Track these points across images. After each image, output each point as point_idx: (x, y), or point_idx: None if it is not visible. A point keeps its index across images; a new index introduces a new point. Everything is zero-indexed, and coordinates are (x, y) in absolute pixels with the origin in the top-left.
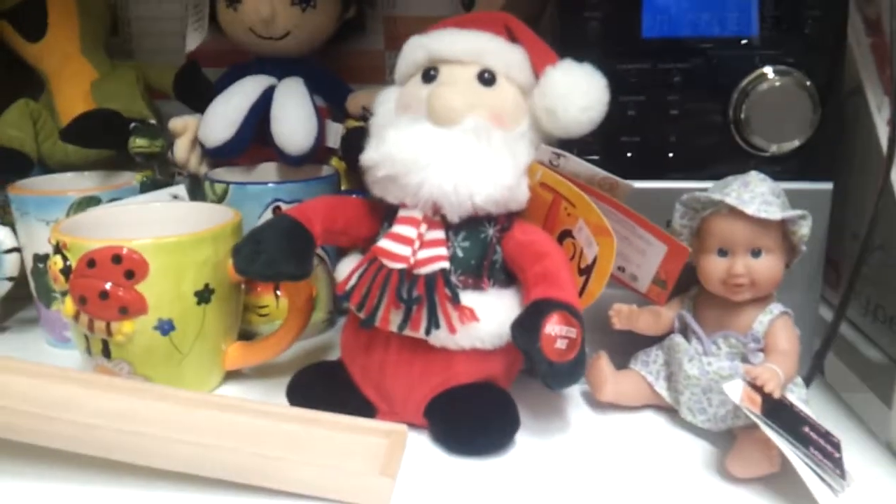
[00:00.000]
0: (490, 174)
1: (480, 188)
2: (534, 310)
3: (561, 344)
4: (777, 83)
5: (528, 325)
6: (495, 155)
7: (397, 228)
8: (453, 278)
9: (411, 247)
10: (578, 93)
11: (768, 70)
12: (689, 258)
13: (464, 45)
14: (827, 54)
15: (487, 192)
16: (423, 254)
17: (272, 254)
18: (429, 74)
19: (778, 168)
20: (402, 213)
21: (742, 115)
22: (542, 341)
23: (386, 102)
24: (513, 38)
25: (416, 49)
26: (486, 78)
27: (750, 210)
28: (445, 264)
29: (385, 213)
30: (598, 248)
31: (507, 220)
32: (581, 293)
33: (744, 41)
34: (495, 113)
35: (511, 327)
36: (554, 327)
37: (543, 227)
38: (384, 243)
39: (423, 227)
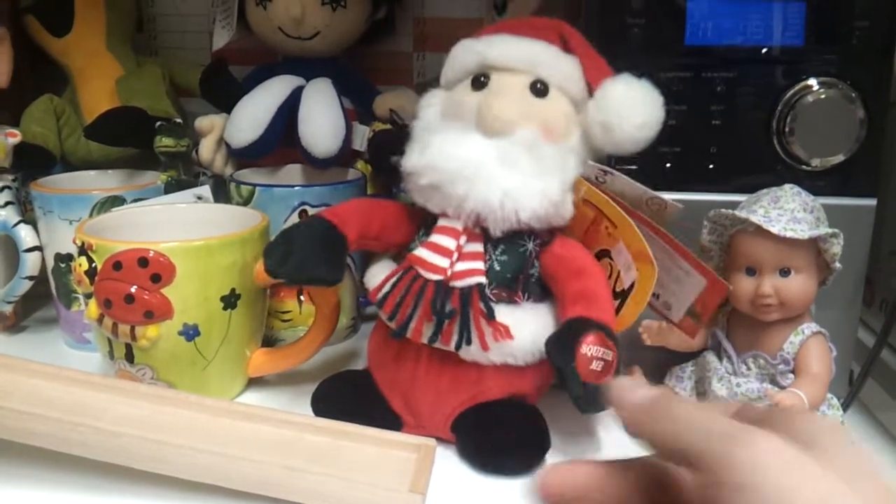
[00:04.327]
0: (537, 189)
1: (527, 203)
2: (571, 328)
3: (596, 366)
4: (823, 95)
5: (564, 343)
6: (544, 169)
7: (436, 238)
8: (487, 291)
9: (450, 258)
10: (637, 109)
11: (813, 82)
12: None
13: (517, 53)
14: (874, 67)
15: (532, 208)
16: (461, 266)
17: (304, 256)
18: (479, 81)
19: (820, 182)
20: (441, 223)
21: (786, 127)
22: (578, 361)
23: (431, 106)
24: (567, 47)
25: (468, 53)
26: (539, 88)
27: (776, 229)
28: (482, 279)
29: (421, 220)
30: (639, 275)
31: (548, 234)
32: (616, 316)
33: (789, 51)
34: (547, 125)
35: (546, 344)
36: (590, 348)
37: (581, 243)
38: (422, 252)
39: (463, 238)
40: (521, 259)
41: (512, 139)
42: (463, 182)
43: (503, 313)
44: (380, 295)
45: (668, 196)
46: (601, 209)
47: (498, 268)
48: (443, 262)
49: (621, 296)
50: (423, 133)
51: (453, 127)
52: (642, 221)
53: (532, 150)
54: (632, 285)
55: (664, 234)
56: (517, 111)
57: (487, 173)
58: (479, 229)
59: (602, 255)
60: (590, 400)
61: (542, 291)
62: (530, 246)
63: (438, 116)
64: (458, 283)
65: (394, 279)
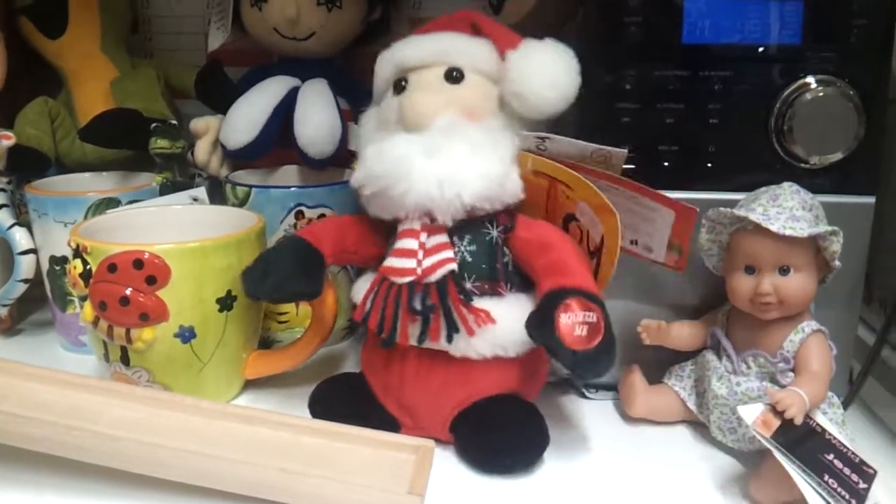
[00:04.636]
0: (473, 170)
1: (466, 185)
2: (545, 302)
3: (581, 331)
4: (821, 93)
5: (541, 318)
6: (475, 150)
7: (400, 243)
8: (468, 285)
9: (415, 258)
10: (541, 71)
11: (811, 80)
12: (696, 218)
13: (426, 49)
14: (873, 64)
15: (473, 188)
16: (429, 261)
17: (281, 275)
18: (399, 85)
19: (819, 180)
20: (400, 228)
21: (784, 126)
22: (560, 331)
23: (366, 124)
24: (478, 32)
25: (384, 65)
26: (454, 75)
27: (775, 227)
28: (453, 266)
29: (388, 230)
30: (603, 227)
31: (508, 219)
32: (595, 276)
33: (787, 49)
34: (467, 108)
35: (526, 325)
36: (570, 315)
37: (545, 215)
38: (390, 261)
39: (424, 235)
40: (488, 247)
41: (434, 129)
42: (400, 181)
43: (488, 305)
44: (363, 313)
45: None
46: (552, 175)
47: (470, 259)
48: (409, 263)
49: (596, 253)
50: (360, 150)
51: (381, 134)
52: (593, 174)
53: (457, 134)
54: (602, 240)
55: (619, 179)
56: (434, 102)
57: (419, 166)
58: (436, 223)
59: (568, 220)
60: (586, 366)
61: (525, 281)
62: (494, 233)
63: (373, 130)
64: (433, 278)
65: (371, 295)
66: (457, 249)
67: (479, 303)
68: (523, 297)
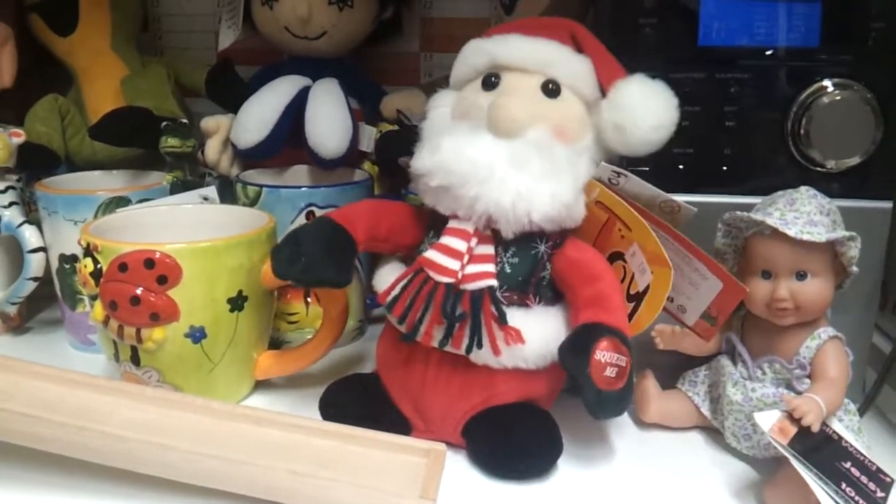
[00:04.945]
0: (548, 191)
1: (539, 205)
2: (584, 333)
3: (610, 372)
4: (838, 97)
5: (578, 348)
6: (556, 171)
7: (447, 240)
8: (498, 295)
9: (460, 261)
10: (651, 110)
11: (828, 83)
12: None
13: (529, 53)
14: (890, 68)
15: (544, 209)
16: (472, 269)
17: (313, 258)
18: (490, 81)
19: (835, 184)
20: (452, 225)
21: (801, 129)
22: (592, 368)
23: (441, 107)
24: (579, 47)
25: (478, 53)
26: (551, 89)
27: (792, 232)
28: (493, 282)
29: (431, 222)
30: (653, 277)
31: (559, 236)
32: (629, 320)
33: (804, 52)
34: (558, 126)
35: (560, 350)
36: (604, 354)
37: (594, 246)
38: (432, 255)
39: (474, 240)
40: (532, 262)
41: (523, 140)
42: (474, 184)
43: (514, 316)
44: (389, 298)
45: (680, 198)
46: (614, 211)
47: (509, 270)
48: (453, 264)
49: (635, 299)
50: (433, 134)
51: (463, 128)
52: (656, 223)
53: (543, 151)
54: (646, 288)
55: (679, 235)
56: (528, 112)
57: (499, 175)
58: (489, 231)
59: (615, 257)
60: (604, 406)
61: (554, 294)
62: (542, 248)
63: (448, 117)
64: (469, 286)
65: (404, 282)
66: (499, 259)
67: (507, 313)
68: (550, 310)
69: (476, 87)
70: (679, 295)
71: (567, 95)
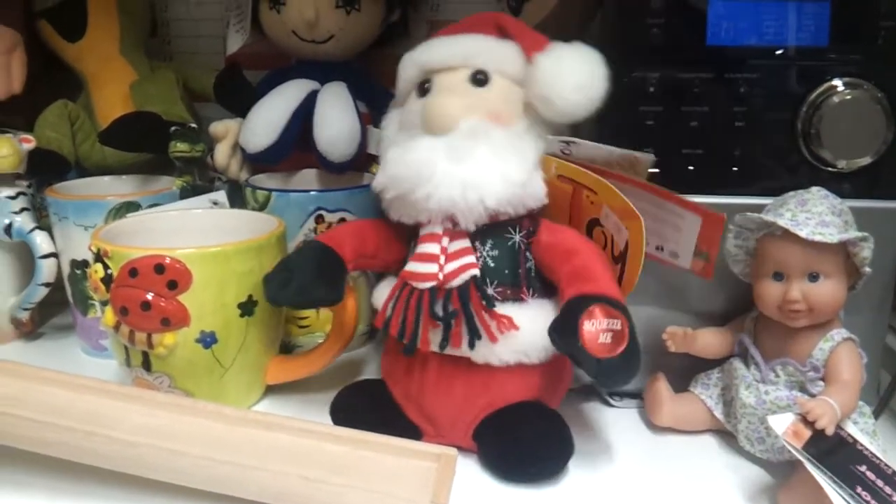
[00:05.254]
0: (496, 174)
1: (489, 190)
2: (569, 309)
3: (605, 338)
4: (848, 96)
5: (565, 325)
6: (500, 154)
7: (421, 248)
8: (490, 290)
9: (437, 263)
10: (569, 74)
11: (838, 82)
12: (724, 224)
13: (451, 51)
14: None
15: (497, 193)
16: (451, 266)
17: (303, 281)
18: (423, 87)
19: (847, 185)
20: (422, 232)
21: (811, 129)
22: (584, 339)
23: (389, 126)
24: (504, 34)
25: (408, 66)
26: (479, 78)
27: (804, 233)
28: (475, 271)
29: (409, 235)
30: (628, 232)
31: (531, 223)
32: (620, 282)
33: (814, 51)
34: (492, 112)
35: (549, 332)
36: (594, 322)
37: (569, 220)
38: (411, 266)
39: (445, 240)
40: (511, 252)
41: (458, 132)
42: (422, 185)
43: (510, 310)
44: (384, 319)
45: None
46: (577, 180)
47: (492, 264)
48: (431, 268)
49: (620, 259)
50: (383, 152)
51: (404, 137)
52: (618, 178)
53: (481, 138)
54: (626, 245)
55: (645, 184)
56: (459, 105)
57: (442, 170)
58: (458, 227)
59: (592, 225)
60: (610, 374)
61: (547, 287)
62: (517, 238)
63: (395, 133)
64: (454, 283)
65: (392, 300)
66: (479, 254)
67: (502, 309)
68: (546, 302)
69: (414, 97)
70: (667, 241)
71: (497, 81)
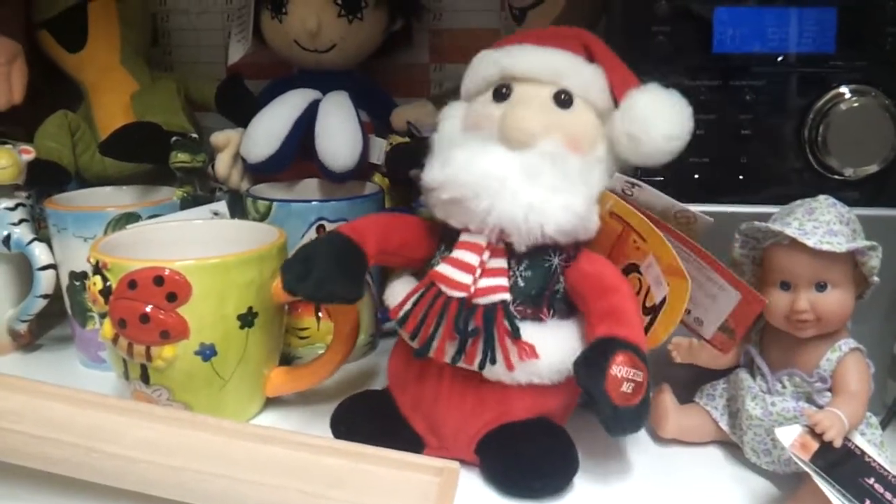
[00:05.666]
0: (563, 203)
1: (552, 218)
2: (599, 348)
3: (627, 387)
4: (856, 103)
5: (593, 364)
6: (569, 182)
7: (458, 254)
8: (511, 309)
9: (473, 275)
10: (665, 119)
11: (845, 90)
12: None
13: (540, 63)
14: None
15: (558, 222)
16: (484, 283)
17: (323, 274)
18: (501, 92)
19: (855, 193)
20: (464, 238)
21: (818, 137)
22: (608, 383)
23: (452, 118)
24: (591, 57)
25: (488, 64)
26: (563, 99)
27: (811, 242)
28: (506, 296)
29: (442, 235)
30: (670, 290)
31: (573, 249)
32: (645, 333)
33: (821, 58)
34: (571, 137)
35: (574, 365)
36: (620, 369)
37: (608, 258)
38: (444, 269)
39: (487, 254)
40: (545, 275)
41: (536, 151)
42: (486, 196)
43: (528, 331)
44: (401, 313)
45: (696, 208)
46: (629, 222)
47: (522, 284)
48: (466, 278)
49: (651, 312)
50: (444, 147)
51: (475, 139)
52: (672, 234)
53: (556, 163)
54: (663, 301)
55: (695, 246)
56: (540, 123)
57: (511, 187)
58: (502, 244)
59: (630, 269)
60: (621, 422)
61: (568, 308)
62: (555, 261)
63: (459, 129)
64: (482, 301)
65: (415, 297)
66: (511, 272)
67: (521, 327)
68: (564, 324)
69: (487, 98)
70: (696, 307)
71: (579, 106)
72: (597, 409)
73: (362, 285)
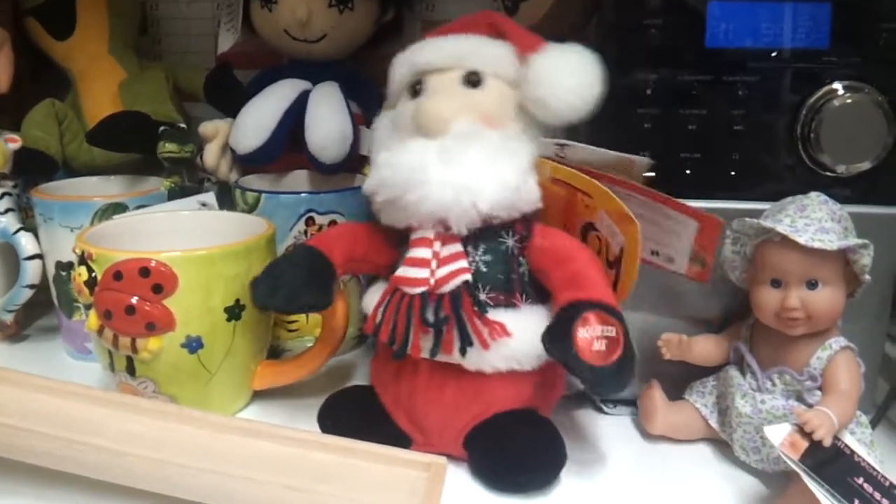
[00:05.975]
0: (489, 177)
1: (483, 194)
2: (562, 315)
3: (599, 345)
4: (849, 100)
5: (558, 332)
6: (493, 157)
7: (412, 252)
8: (482, 296)
9: (428, 268)
10: (564, 75)
11: (838, 86)
12: (721, 229)
13: (444, 51)
14: None
15: (490, 196)
16: (443, 271)
17: (291, 287)
18: (415, 89)
19: (846, 190)
20: (413, 236)
21: (811, 133)
22: (578, 347)
23: (380, 128)
24: (498, 34)
25: (401, 66)
26: (472, 80)
27: (803, 239)
28: (467, 276)
29: (401, 239)
30: (623, 237)
31: (525, 227)
32: (615, 288)
33: (814, 54)
34: (485, 114)
35: (542, 339)
36: (588, 329)
37: (563, 224)
38: (402, 271)
39: (437, 244)
40: (504, 257)
41: (451, 134)
42: (414, 188)
43: (503, 316)
44: (374, 324)
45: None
46: (571, 183)
47: (484, 269)
48: (422, 273)
49: (615, 264)
50: (374, 154)
51: (396, 139)
52: (614, 183)
53: (474, 141)
54: (621, 250)
55: (639, 187)
56: (451, 106)
57: (434, 173)
58: (451, 232)
59: (587, 230)
60: (604, 382)
61: (540, 292)
62: (510, 242)
63: (386, 135)
64: (446, 288)
65: (382, 306)
66: (471, 259)
67: (494, 314)
68: (539, 308)
69: (406, 99)
70: (663, 246)
71: (491, 83)
72: (578, 377)
73: (331, 293)
